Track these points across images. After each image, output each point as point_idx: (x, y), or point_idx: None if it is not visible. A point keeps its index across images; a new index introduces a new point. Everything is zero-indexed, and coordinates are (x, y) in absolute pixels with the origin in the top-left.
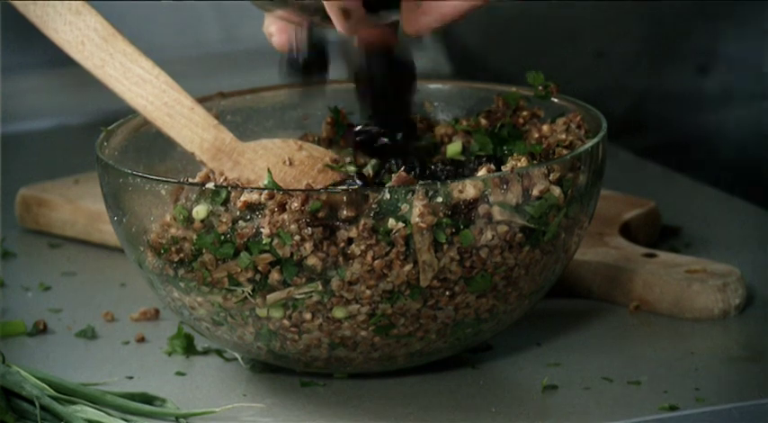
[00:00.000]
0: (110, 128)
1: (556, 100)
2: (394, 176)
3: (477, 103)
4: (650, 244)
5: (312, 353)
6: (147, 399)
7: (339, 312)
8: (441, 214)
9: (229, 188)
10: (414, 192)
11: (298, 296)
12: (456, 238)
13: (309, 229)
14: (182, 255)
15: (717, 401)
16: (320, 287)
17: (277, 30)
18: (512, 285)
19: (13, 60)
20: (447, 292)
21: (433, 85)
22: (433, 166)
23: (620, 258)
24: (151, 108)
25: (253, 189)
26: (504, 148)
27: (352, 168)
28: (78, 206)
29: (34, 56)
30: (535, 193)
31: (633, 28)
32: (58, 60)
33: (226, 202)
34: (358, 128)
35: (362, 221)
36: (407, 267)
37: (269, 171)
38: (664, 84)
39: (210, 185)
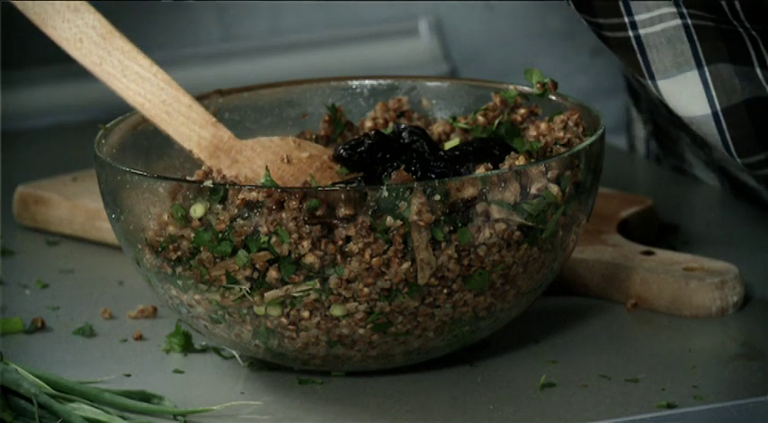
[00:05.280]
0: (108, 125)
1: (554, 98)
2: (393, 174)
3: (474, 101)
4: (648, 242)
5: (310, 351)
6: (145, 396)
7: (337, 310)
8: (439, 212)
9: (227, 186)
10: (412, 190)
11: (295, 294)
12: (454, 236)
13: (307, 226)
14: (179, 253)
15: (714, 399)
16: (318, 285)
17: None
18: (509, 283)
19: (11, 57)
20: (445, 290)
21: (431, 83)
22: (432, 164)
23: (618, 256)
24: (149, 106)
25: (251, 187)
26: None
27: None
28: (76, 204)
29: (33, 53)
30: (533, 191)
31: None
32: (57, 58)
33: (224, 200)
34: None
35: (360, 219)
36: (405, 265)
37: (267, 169)
38: None
39: (208, 183)
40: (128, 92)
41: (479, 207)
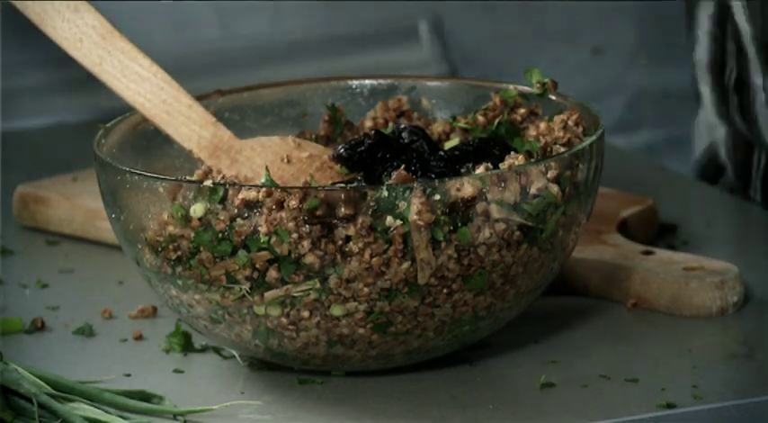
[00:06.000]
0: (108, 125)
1: (553, 97)
2: (393, 174)
3: (474, 101)
4: (648, 241)
5: (310, 350)
6: (145, 396)
7: (337, 310)
8: (438, 212)
9: (227, 186)
10: (412, 189)
11: (295, 294)
12: (454, 235)
13: (307, 226)
14: (179, 252)
15: (714, 399)
16: (318, 285)
17: None
18: (509, 283)
19: (11, 57)
20: (445, 290)
21: (431, 83)
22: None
23: (618, 256)
24: (149, 105)
25: (251, 187)
26: None
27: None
28: (76, 203)
29: (33, 53)
30: (533, 190)
31: (631, 25)
32: (57, 58)
33: (223, 200)
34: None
35: (360, 219)
36: (405, 265)
37: (267, 169)
38: (661, 81)
39: (208, 183)
40: (128, 92)
41: (479, 207)
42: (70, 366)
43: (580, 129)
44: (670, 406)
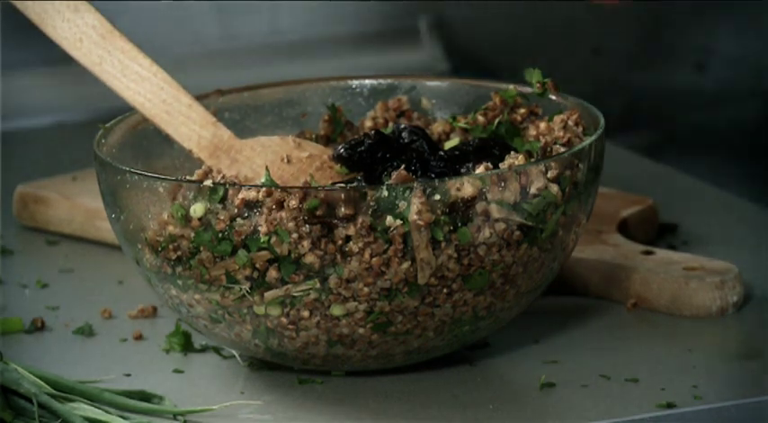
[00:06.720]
0: (108, 125)
1: (553, 97)
2: (393, 174)
3: (474, 101)
4: (648, 241)
5: (310, 350)
6: (145, 396)
7: (337, 310)
8: (438, 212)
9: (227, 186)
10: (412, 189)
11: (295, 294)
12: (454, 235)
13: (307, 226)
14: (179, 252)
15: (714, 399)
16: (318, 285)
17: None
18: (509, 283)
19: (11, 57)
20: (445, 290)
21: (431, 82)
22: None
23: (618, 256)
24: (149, 105)
25: (251, 186)
26: None
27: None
28: (76, 203)
29: (32, 53)
30: (533, 190)
31: (631, 25)
32: (57, 57)
33: (223, 200)
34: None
35: (360, 219)
36: (405, 265)
37: (267, 168)
38: (661, 81)
39: (208, 183)
40: (128, 91)
41: (479, 207)
42: (70, 366)
43: (580, 129)
44: (670, 406)
